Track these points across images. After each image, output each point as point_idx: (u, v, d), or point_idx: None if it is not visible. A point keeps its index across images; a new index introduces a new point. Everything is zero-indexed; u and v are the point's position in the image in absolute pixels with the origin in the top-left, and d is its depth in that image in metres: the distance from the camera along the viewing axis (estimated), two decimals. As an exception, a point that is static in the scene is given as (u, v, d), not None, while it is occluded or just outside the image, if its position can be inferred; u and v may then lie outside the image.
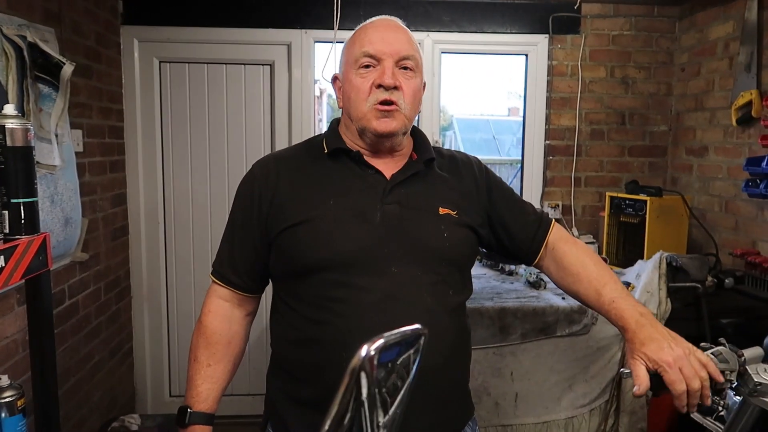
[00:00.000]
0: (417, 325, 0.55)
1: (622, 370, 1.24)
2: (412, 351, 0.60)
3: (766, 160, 2.30)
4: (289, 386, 1.21)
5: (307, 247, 1.15)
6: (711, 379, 1.07)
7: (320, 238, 1.14)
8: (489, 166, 1.41)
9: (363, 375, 0.48)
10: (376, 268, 1.13)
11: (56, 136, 2.08)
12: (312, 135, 2.99)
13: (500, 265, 2.77)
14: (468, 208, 1.26)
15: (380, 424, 0.53)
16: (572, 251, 1.31)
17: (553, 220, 1.38)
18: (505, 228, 1.33)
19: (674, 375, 1.02)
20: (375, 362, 0.49)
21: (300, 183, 1.21)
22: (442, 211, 1.21)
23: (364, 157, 1.22)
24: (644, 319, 1.12)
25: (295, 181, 1.21)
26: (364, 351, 0.48)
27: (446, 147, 2.38)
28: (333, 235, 1.14)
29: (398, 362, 0.59)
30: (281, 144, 3.02)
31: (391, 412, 0.57)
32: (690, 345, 1.07)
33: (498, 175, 1.42)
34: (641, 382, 1.04)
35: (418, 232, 1.18)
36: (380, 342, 0.49)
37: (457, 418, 1.26)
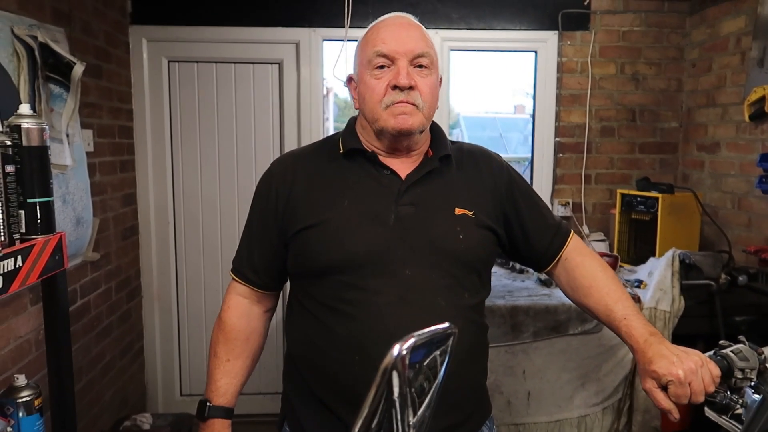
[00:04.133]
0: (446, 324, 0.54)
1: (639, 368, 1.23)
2: (438, 352, 0.60)
3: (779, 156, 2.28)
4: (303, 386, 1.21)
5: (319, 249, 1.15)
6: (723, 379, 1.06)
7: (332, 240, 1.14)
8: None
9: (395, 374, 0.48)
10: (388, 271, 1.12)
11: (67, 136, 2.08)
12: (320, 134, 3.01)
13: (511, 263, 2.76)
14: (486, 207, 1.23)
15: (411, 423, 0.53)
16: (585, 263, 1.28)
17: (572, 231, 1.35)
18: (523, 230, 1.29)
19: (681, 390, 1.02)
20: (406, 362, 0.49)
21: (315, 183, 1.21)
22: (458, 211, 1.19)
23: (380, 157, 1.21)
24: (654, 338, 1.10)
25: (311, 181, 1.21)
26: (396, 350, 0.47)
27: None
28: (345, 237, 1.14)
29: (425, 363, 0.58)
30: (290, 143, 3.02)
31: (419, 413, 0.56)
32: (703, 357, 1.05)
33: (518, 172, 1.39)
34: (670, 409, 1.05)
35: (432, 233, 1.16)
36: (411, 341, 0.49)
37: (474, 418, 1.25)
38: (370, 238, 1.13)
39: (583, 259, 1.29)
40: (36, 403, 1.16)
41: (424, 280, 1.13)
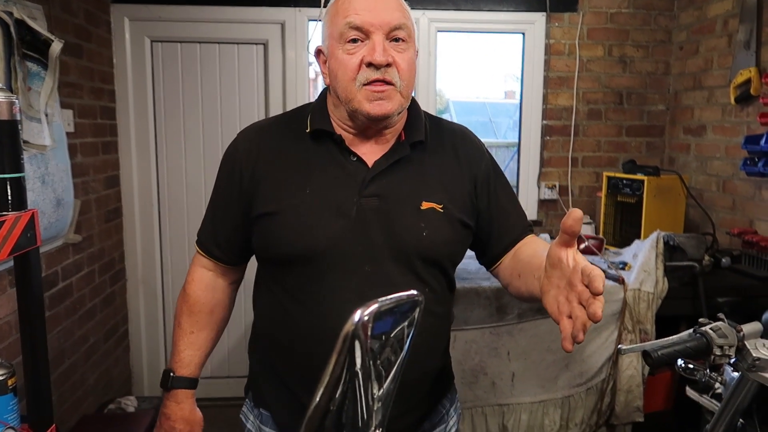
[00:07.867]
0: (413, 291, 0.53)
1: (620, 346, 1.23)
2: (406, 323, 0.59)
3: (764, 138, 2.28)
4: (265, 360, 1.22)
5: (279, 240, 1.11)
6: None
7: (292, 232, 1.09)
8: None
9: (356, 343, 0.46)
10: (348, 266, 1.08)
11: (46, 115, 2.04)
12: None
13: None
14: (459, 199, 1.16)
15: (375, 396, 0.52)
16: (530, 244, 1.20)
17: (532, 234, 1.26)
18: (490, 226, 1.21)
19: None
20: (369, 330, 0.47)
21: (279, 164, 1.14)
22: (425, 205, 1.12)
23: (346, 142, 1.13)
24: None
25: (275, 161, 1.14)
26: (357, 316, 0.46)
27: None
28: (304, 229, 1.09)
29: (392, 335, 0.57)
30: (276, 125, 2.99)
31: (385, 386, 0.55)
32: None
33: (497, 162, 1.27)
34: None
35: (394, 228, 1.10)
36: (374, 307, 0.47)
37: (432, 395, 1.22)
38: (330, 232, 1.08)
39: (529, 240, 1.22)
40: (9, 382, 1.14)
41: (383, 276, 1.09)
